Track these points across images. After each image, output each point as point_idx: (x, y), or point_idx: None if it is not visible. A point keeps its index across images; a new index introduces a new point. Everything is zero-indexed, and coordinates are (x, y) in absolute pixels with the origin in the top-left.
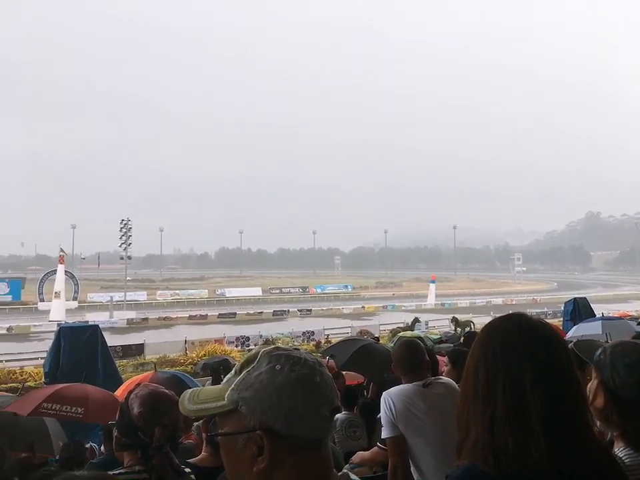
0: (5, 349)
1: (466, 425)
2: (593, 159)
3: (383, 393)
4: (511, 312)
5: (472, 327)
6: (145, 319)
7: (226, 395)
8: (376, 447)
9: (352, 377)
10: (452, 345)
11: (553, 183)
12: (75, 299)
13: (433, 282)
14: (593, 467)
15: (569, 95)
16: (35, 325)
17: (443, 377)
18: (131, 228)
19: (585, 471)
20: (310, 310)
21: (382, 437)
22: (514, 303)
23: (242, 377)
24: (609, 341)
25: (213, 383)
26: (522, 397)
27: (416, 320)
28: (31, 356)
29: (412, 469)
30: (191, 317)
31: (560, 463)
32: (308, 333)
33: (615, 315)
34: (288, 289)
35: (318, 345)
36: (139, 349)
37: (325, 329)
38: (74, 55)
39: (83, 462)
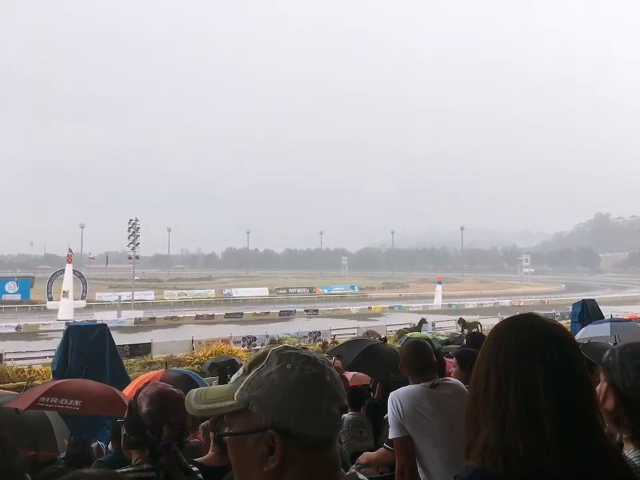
0: (13, 348)
1: (475, 425)
2: (602, 160)
3: (390, 393)
4: (522, 313)
5: (479, 328)
6: (153, 319)
7: (235, 395)
8: (383, 448)
9: (359, 378)
10: (459, 346)
11: (562, 184)
12: (83, 298)
13: (440, 283)
14: (604, 469)
15: (578, 95)
16: (44, 324)
17: (450, 378)
18: (138, 228)
19: (596, 473)
20: (316, 310)
21: (389, 438)
22: (521, 304)
23: (251, 376)
24: (618, 343)
25: (220, 383)
26: (534, 398)
27: (423, 321)
28: (40, 355)
29: (419, 469)
30: (198, 317)
31: (572, 466)
32: (314, 333)
33: (623, 317)
34: (295, 290)
35: (324, 345)
36: (146, 348)
37: (331, 330)
38: (81, 57)
39: (90, 460)
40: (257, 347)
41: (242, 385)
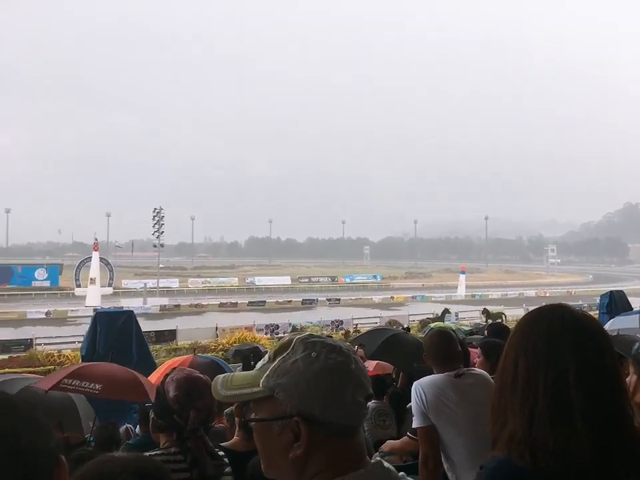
0: (43, 333)
1: (502, 416)
2: (632, 148)
3: (414, 382)
4: (551, 303)
5: (503, 319)
6: (177, 306)
7: (261, 382)
8: (406, 437)
9: (381, 367)
10: (483, 337)
11: (590, 173)
12: (110, 285)
13: (463, 273)
14: (634, 462)
15: (604, 82)
16: (72, 310)
17: (475, 368)
18: (163, 217)
19: (626, 466)
20: (339, 299)
21: (413, 427)
22: (547, 295)
23: (277, 363)
24: None
25: (244, 370)
26: (564, 391)
27: (446, 311)
28: (69, 340)
29: (442, 458)
30: (221, 305)
31: (602, 459)
32: (337, 322)
33: None
34: (317, 278)
35: (347, 334)
36: (171, 335)
37: (353, 319)
38: (109, 47)
39: (118, 443)
40: (279, 335)
41: (267, 372)
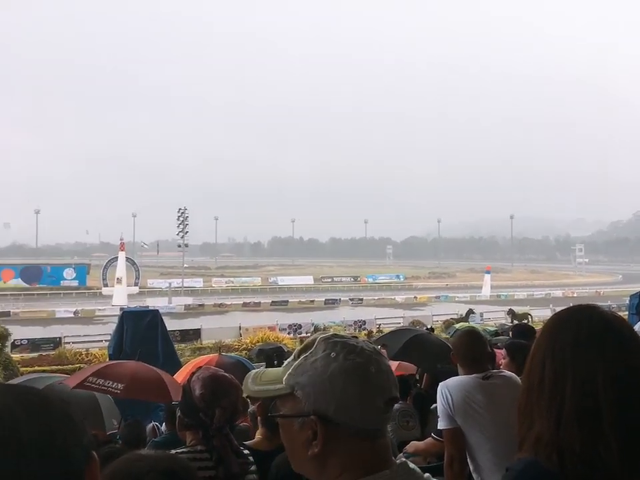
0: (72, 332)
1: (529, 418)
2: None
3: (440, 383)
4: (580, 303)
5: (529, 319)
6: (201, 305)
7: (284, 379)
8: (430, 438)
9: (404, 367)
10: (508, 337)
11: (619, 170)
12: (136, 284)
13: (488, 272)
14: None
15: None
16: (99, 309)
17: (504, 370)
18: (187, 217)
19: None
20: (361, 299)
21: (438, 428)
22: (575, 295)
23: (299, 362)
24: None
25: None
26: (593, 393)
27: (470, 311)
28: (96, 338)
29: (468, 459)
30: (244, 304)
31: (631, 464)
32: (359, 322)
33: None
34: (339, 278)
35: (369, 334)
36: (196, 334)
37: (376, 319)
38: (135, 50)
39: (145, 441)
40: (302, 335)
41: (290, 369)
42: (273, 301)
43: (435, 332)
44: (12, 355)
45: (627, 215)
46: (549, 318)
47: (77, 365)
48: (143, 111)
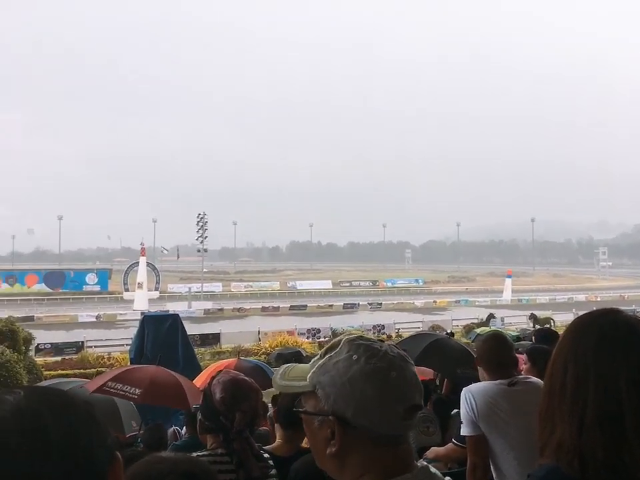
0: (94, 336)
1: (550, 423)
2: None
3: (464, 389)
4: (602, 308)
5: (552, 324)
6: (221, 310)
7: (308, 376)
8: (451, 444)
9: (422, 372)
10: (530, 342)
11: None
12: (156, 289)
13: (509, 277)
14: None
15: None
16: (121, 314)
17: (530, 376)
18: (206, 222)
19: None
20: (380, 303)
21: (461, 434)
22: (598, 299)
23: (323, 361)
24: None
25: None
26: (616, 401)
27: (491, 316)
28: (118, 342)
29: (490, 466)
30: (263, 309)
31: None
32: (378, 326)
33: None
34: (358, 282)
35: (389, 338)
36: (215, 338)
37: (395, 323)
38: (151, 54)
39: (166, 444)
40: (320, 339)
41: (314, 368)
42: (291, 306)
43: (456, 336)
44: (36, 359)
45: None
46: (571, 322)
47: (99, 369)
48: (161, 117)
